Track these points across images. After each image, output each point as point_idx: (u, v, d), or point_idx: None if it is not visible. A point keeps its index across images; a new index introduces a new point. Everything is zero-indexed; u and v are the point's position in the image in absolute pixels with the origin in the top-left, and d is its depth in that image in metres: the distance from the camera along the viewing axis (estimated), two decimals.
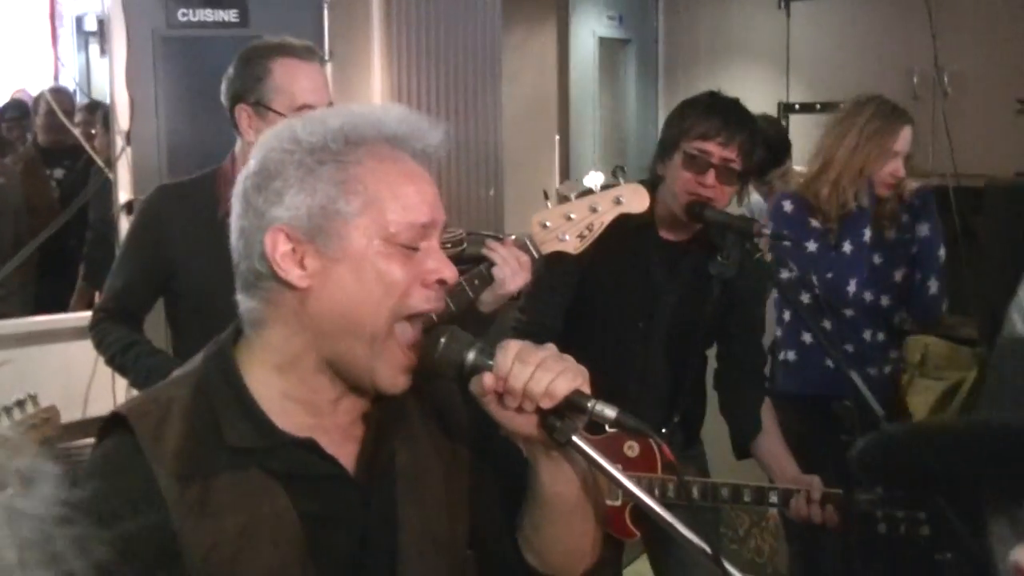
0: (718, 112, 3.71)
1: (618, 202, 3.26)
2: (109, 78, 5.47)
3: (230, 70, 3.66)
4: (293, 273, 1.82)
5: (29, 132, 7.62)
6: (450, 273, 1.88)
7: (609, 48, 7.88)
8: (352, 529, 1.89)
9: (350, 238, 1.82)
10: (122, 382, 4.98)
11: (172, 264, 3.71)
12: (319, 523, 1.85)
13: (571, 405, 1.79)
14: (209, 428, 1.84)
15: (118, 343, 3.75)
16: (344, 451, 1.92)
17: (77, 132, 5.92)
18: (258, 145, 1.92)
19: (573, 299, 3.89)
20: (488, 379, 1.82)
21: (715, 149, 3.65)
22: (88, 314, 5.34)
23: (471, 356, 1.85)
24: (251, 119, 3.60)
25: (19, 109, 8.31)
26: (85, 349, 5.03)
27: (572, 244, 3.23)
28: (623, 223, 3.28)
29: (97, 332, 3.82)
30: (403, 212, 1.84)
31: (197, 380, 1.90)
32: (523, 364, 1.80)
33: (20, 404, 2.60)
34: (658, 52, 7.64)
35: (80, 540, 1.60)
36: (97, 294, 6.36)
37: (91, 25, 9.73)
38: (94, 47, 10.88)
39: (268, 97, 3.56)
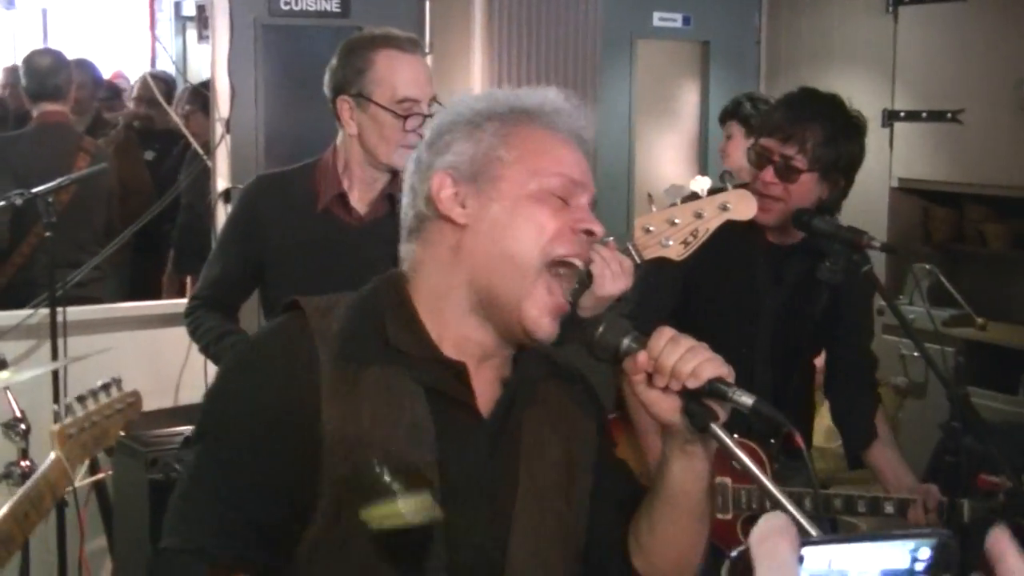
0: (783, 106, 3.66)
1: (724, 208, 3.20)
2: (210, 65, 5.51)
3: (333, 61, 3.67)
4: (454, 211, 2.04)
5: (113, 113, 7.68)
6: (597, 227, 2.06)
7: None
8: (474, 462, 2.06)
9: (507, 179, 2.04)
10: (214, 370, 5.04)
11: (267, 255, 3.73)
12: (448, 442, 2.02)
13: (713, 391, 1.96)
14: (372, 325, 2.05)
15: (212, 332, 3.79)
16: (482, 400, 2.09)
17: (176, 116, 5.94)
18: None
19: (676, 303, 3.83)
20: (642, 356, 1.99)
21: (773, 145, 3.57)
22: (180, 301, 5.42)
23: (627, 341, 2.03)
24: (352, 111, 3.60)
25: (112, 90, 8.39)
26: (176, 336, 5.10)
27: (675, 250, 3.19)
28: (728, 226, 3.23)
29: (192, 320, 3.86)
30: (557, 165, 2.05)
31: (366, 292, 2.15)
32: (675, 345, 1.97)
33: (105, 388, 2.62)
34: (760, 55, 7.52)
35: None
36: (189, 280, 6.44)
37: (189, 10, 9.84)
38: (191, 32, 11.01)
39: (369, 89, 3.55)
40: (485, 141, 2.06)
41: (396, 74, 3.56)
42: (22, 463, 3.68)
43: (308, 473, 1.96)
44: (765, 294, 3.80)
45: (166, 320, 5.34)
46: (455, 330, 2.07)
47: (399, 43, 3.61)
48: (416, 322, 2.06)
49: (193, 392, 5.11)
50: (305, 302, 2.10)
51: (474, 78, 5.93)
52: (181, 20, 11.47)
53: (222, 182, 5.41)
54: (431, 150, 2.11)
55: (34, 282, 5.49)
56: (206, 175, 5.74)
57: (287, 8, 5.41)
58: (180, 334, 5.14)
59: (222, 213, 5.39)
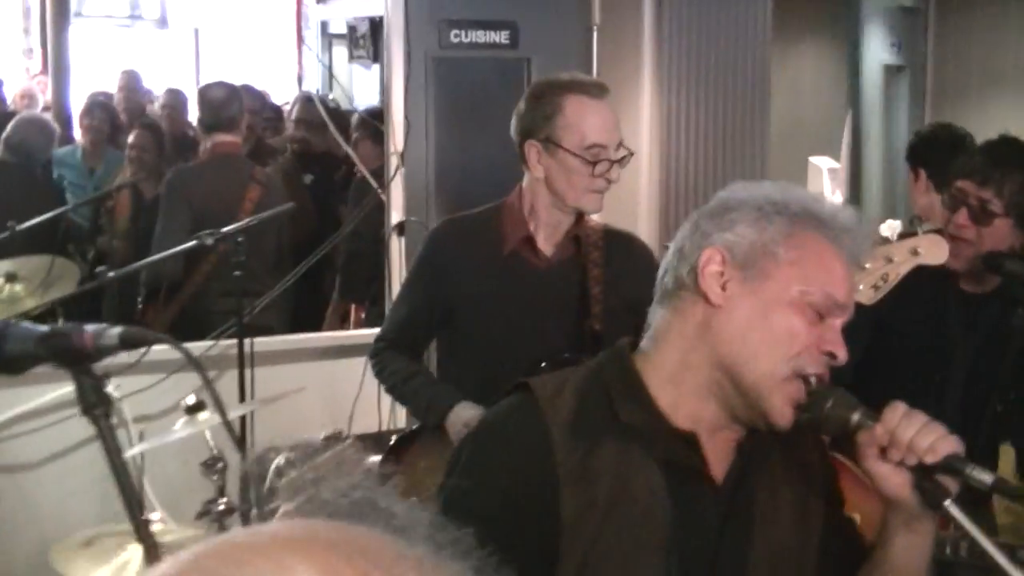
0: (983, 151, 3.64)
1: (915, 253, 3.21)
2: (384, 99, 5.63)
3: (520, 105, 3.73)
4: (713, 290, 2.05)
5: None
6: (843, 354, 2.06)
7: (887, 75, 7.74)
8: (709, 532, 2.10)
9: (775, 278, 2.04)
10: (388, 400, 5.15)
11: (456, 298, 3.80)
12: (683, 514, 2.06)
13: (948, 468, 1.97)
14: (601, 403, 2.10)
15: (399, 374, 3.87)
16: (715, 467, 2.12)
17: (349, 149, 6.06)
18: (728, 190, 2.18)
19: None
20: (879, 430, 2.01)
21: (970, 188, 3.55)
22: (355, 333, 5.55)
23: (857, 416, 2.04)
24: (540, 155, 3.64)
25: (276, 113, 8.54)
26: (352, 367, 5.21)
27: (865, 295, 3.19)
28: (920, 271, 3.23)
29: (378, 361, 3.95)
30: (828, 281, 2.05)
31: (591, 368, 2.18)
32: (910, 420, 1.99)
33: (328, 441, 2.67)
34: (927, 79, 7.43)
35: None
36: (353, 309, 6.55)
37: (337, 27, 9.95)
38: (338, 50, 11.17)
39: (558, 135, 3.60)
40: (768, 233, 2.05)
41: (585, 120, 3.60)
42: (220, 501, 3.78)
43: (547, 559, 2.03)
44: (957, 342, 3.78)
45: (344, 351, 5.45)
46: (691, 404, 2.09)
47: (588, 89, 3.66)
48: (645, 394, 2.10)
49: (367, 422, 5.20)
50: (536, 384, 2.16)
51: (643, 109, 5.96)
52: (328, 37, 11.65)
53: (396, 215, 5.50)
54: (713, 221, 2.11)
55: (207, 311, 5.64)
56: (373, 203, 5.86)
57: (457, 41, 5.50)
58: (356, 365, 5.29)
59: (396, 246, 5.50)
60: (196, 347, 5.04)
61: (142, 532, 1.90)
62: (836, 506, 2.28)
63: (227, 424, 1.86)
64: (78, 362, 1.83)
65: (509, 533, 1.97)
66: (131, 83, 9.38)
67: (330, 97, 8.59)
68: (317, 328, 6.59)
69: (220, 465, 3.94)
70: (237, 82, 7.24)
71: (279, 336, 5.46)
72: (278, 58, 12.41)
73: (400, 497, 2.54)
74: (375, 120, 6.16)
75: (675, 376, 2.10)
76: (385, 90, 5.60)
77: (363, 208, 5.67)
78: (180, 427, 3.78)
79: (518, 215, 3.75)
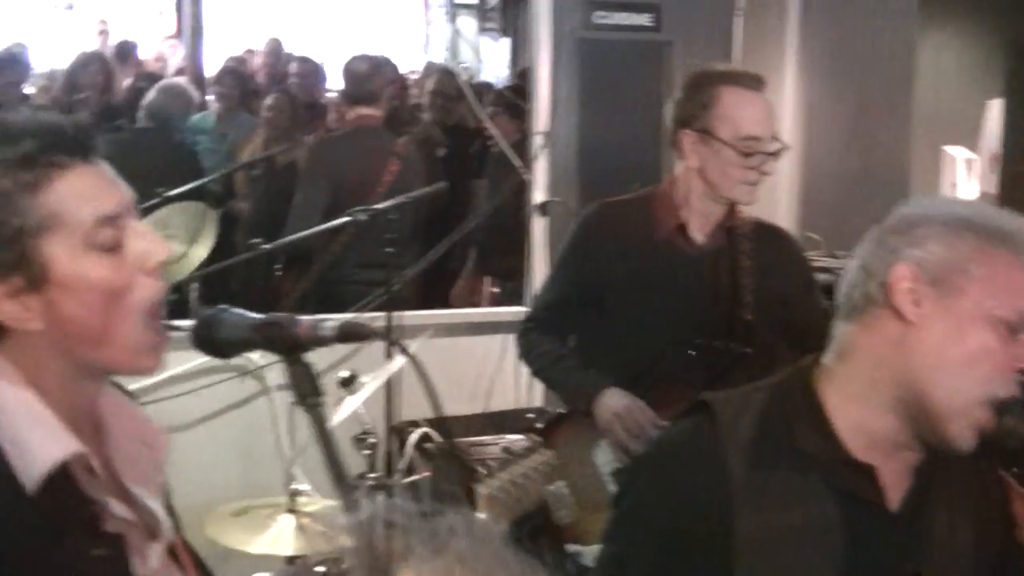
0: None
1: None
2: (529, 77, 5.64)
3: (677, 93, 3.76)
4: (907, 306, 2.04)
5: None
6: None
7: None
8: (885, 562, 2.09)
9: (968, 295, 2.02)
10: (526, 379, 5.20)
11: (606, 282, 3.84)
12: (858, 544, 2.06)
13: None
14: (781, 429, 2.11)
15: (547, 356, 3.91)
16: (891, 493, 2.12)
17: (490, 125, 6.07)
18: (911, 205, 2.19)
19: None
20: None
21: None
22: (497, 310, 5.59)
23: None
24: (695, 145, 3.67)
25: (401, 84, 8.60)
26: (491, 344, 5.27)
27: None
28: None
29: (525, 343, 3.99)
30: (1018, 296, 2.04)
31: (774, 388, 2.19)
32: None
33: (527, 449, 2.68)
34: None
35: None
36: (487, 281, 6.60)
37: None
38: (463, 21, 11.24)
39: (714, 125, 3.62)
40: (959, 250, 2.04)
41: (741, 111, 3.62)
42: (369, 475, 3.85)
43: None
44: None
45: (484, 328, 5.53)
46: (872, 423, 2.09)
47: (745, 80, 3.67)
48: (826, 423, 2.10)
49: (504, 399, 5.26)
50: (717, 404, 2.18)
51: (785, 96, 5.92)
52: (454, 7, 11.71)
53: (539, 194, 5.54)
54: (900, 237, 2.09)
55: (342, 281, 5.71)
56: (509, 177, 5.93)
57: (601, 22, 5.51)
58: (495, 342, 5.36)
59: (538, 225, 5.53)
60: (338, 317, 5.14)
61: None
62: (1010, 527, 2.25)
63: (436, 402, 1.89)
64: (291, 351, 1.87)
65: (682, 555, 2.08)
66: (275, 49, 9.51)
67: (463, 67, 8.62)
68: (443, 301, 6.68)
69: (371, 440, 4.02)
70: (362, 49, 7.33)
71: (424, 311, 5.52)
72: (403, 26, 12.50)
73: (545, 479, 2.60)
74: (518, 95, 6.21)
75: (860, 393, 2.10)
76: (530, 68, 5.61)
77: (506, 187, 5.69)
78: (337, 401, 3.84)
79: (671, 203, 3.78)
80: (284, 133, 7.72)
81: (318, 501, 4.23)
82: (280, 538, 3.99)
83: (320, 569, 3.84)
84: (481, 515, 2.43)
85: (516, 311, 5.57)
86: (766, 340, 3.80)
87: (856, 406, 2.10)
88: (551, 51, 5.44)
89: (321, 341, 1.86)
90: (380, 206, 4.26)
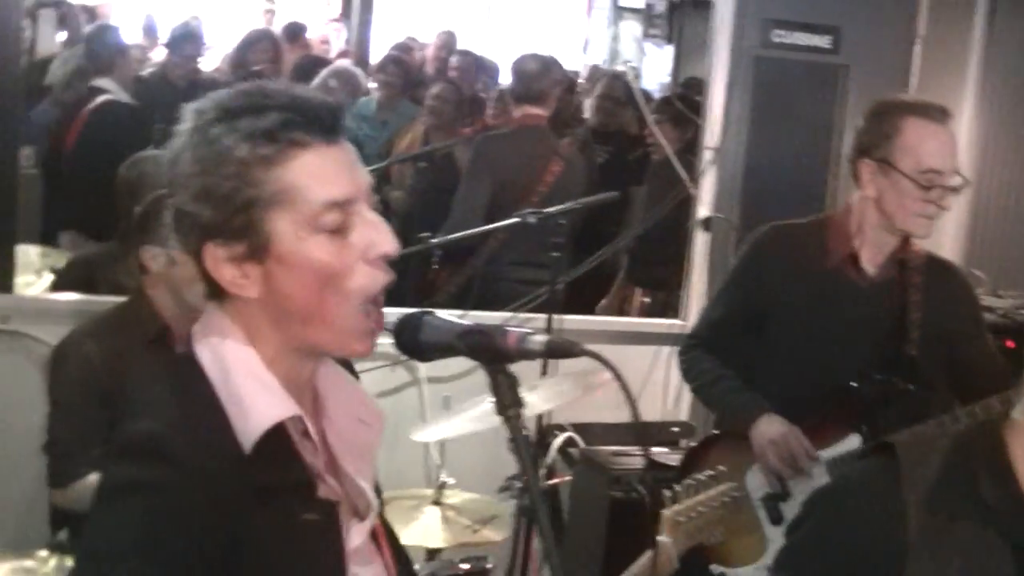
0: None
1: None
2: (705, 93, 5.65)
3: (860, 122, 3.72)
4: None
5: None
6: None
7: None
8: None
9: None
10: (674, 390, 5.20)
11: (773, 305, 3.83)
12: None
13: None
14: (964, 478, 2.08)
15: (707, 374, 3.92)
16: None
17: (659, 136, 6.06)
18: None
19: None
20: None
21: None
22: (651, 321, 5.58)
23: None
24: (874, 175, 3.63)
25: (568, 86, 8.58)
26: (642, 354, 5.27)
27: None
28: None
29: (687, 359, 4.00)
30: None
31: (960, 437, 2.17)
32: None
33: (712, 478, 2.69)
34: None
35: None
36: (638, 292, 6.60)
37: (627, 2, 9.97)
38: (625, 24, 11.21)
39: (895, 156, 3.58)
40: None
41: (924, 144, 3.57)
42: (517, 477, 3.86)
43: None
44: None
45: (636, 337, 5.53)
46: None
47: (930, 112, 3.61)
48: (1011, 476, 2.07)
49: (650, 410, 5.25)
50: (901, 448, 2.16)
51: (961, 126, 5.79)
52: (618, 10, 11.67)
53: (703, 210, 5.52)
54: None
55: (497, 278, 5.73)
56: (670, 188, 5.93)
57: (779, 41, 5.47)
58: (647, 352, 5.35)
59: (700, 240, 5.52)
60: (491, 317, 5.18)
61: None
62: None
63: (635, 409, 1.89)
64: (496, 361, 1.86)
65: None
66: (448, 43, 9.56)
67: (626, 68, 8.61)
68: (589, 307, 6.66)
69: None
70: (523, 47, 7.32)
71: (582, 316, 5.55)
72: (563, 26, 12.51)
73: (726, 509, 2.60)
74: (684, 105, 6.21)
75: None
76: (705, 83, 5.59)
77: (667, 198, 5.68)
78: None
79: (844, 231, 3.74)
80: (446, 124, 7.78)
81: (463, 495, 4.28)
82: (425, 530, 4.04)
83: (464, 566, 3.89)
84: (663, 538, 2.45)
85: (670, 323, 5.58)
86: (929, 377, 3.76)
87: None
88: (728, 66, 5.40)
89: (528, 355, 1.84)
90: (551, 210, 4.27)
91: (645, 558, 2.46)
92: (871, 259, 3.74)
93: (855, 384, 3.71)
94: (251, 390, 1.81)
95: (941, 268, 3.84)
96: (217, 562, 1.69)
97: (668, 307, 6.54)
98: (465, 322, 1.92)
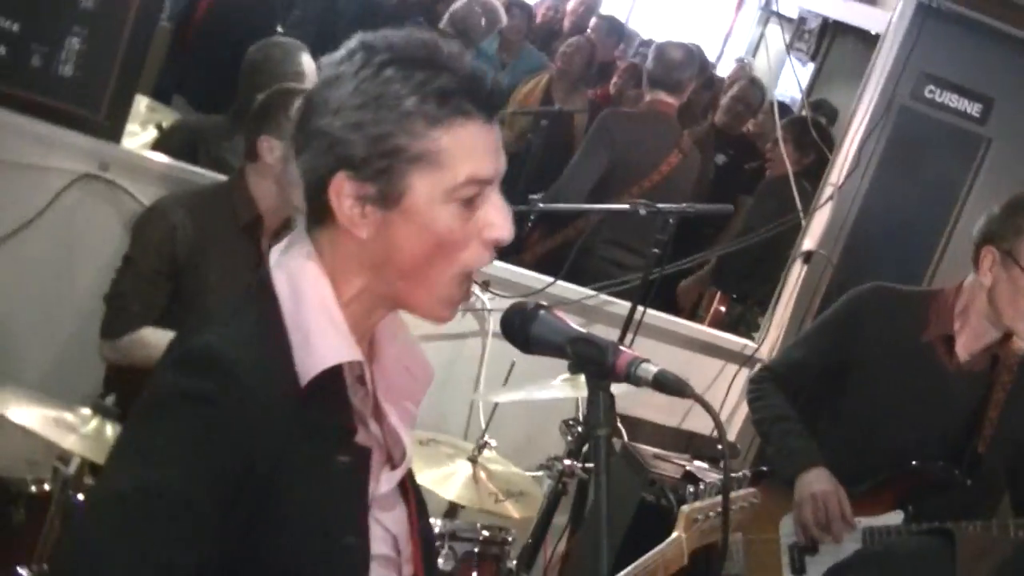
0: None
1: None
2: (843, 131, 5.58)
3: (994, 209, 3.64)
4: None
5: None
6: None
7: None
8: None
9: None
10: (731, 407, 5.17)
11: (855, 363, 3.78)
12: None
13: None
14: None
15: (773, 409, 3.87)
16: None
17: (785, 155, 5.97)
18: None
19: None
20: None
21: None
22: (728, 337, 5.54)
23: None
24: (994, 264, 3.56)
25: (708, 80, 8.47)
26: (709, 365, 5.24)
27: None
28: None
29: (758, 389, 3.95)
30: None
31: (1019, 547, 2.22)
32: None
33: (737, 482, 2.66)
34: None
35: None
36: (717, 297, 6.54)
37: (779, 7, 9.76)
38: (771, 29, 11.02)
39: (1021, 252, 3.50)
40: None
41: None
42: (565, 461, 3.84)
43: None
44: None
45: (706, 348, 5.50)
46: None
47: None
48: None
49: (699, 422, 5.21)
50: (961, 537, 2.14)
51: None
52: (767, 12, 11.47)
53: (808, 242, 5.45)
54: None
55: (587, 252, 5.67)
56: (775, 206, 5.82)
57: (930, 97, 5.35)
58: (714, 364, 5.31)
59: (796, 272, 5.46)
60: (576, 291, 5.15)
61: None
62: None
63: (721, 431, 1.86)
64: (600, 377, 1.84)
65: None
66: (591, 3, 9.45)
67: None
68: (669, 304, 6.57)
69: (579, 429, 4.01)
70: (664, 25, 7.17)
71: (665, 315, 5.49)
72: (710, 13, 12.34)
73: (744, 518, 2.58)
74: (813, 127, 6.15)
75: None
76: (846, 123, 5.49)
77: (783, 222, 5.60)
78: (559, 384, 3.83)
79: (948, 310, 3.69)
80: (573, 79, 7.73)
81: (500, 461, 4.25)
82: (452, 482, 4.02)
83: (485, 533, 3.88)
84: (674, 533, 2.46)
85: (744, 344, 5.53)
86: (990, 477, 3.72)
87: None
88: (873, 109, 5.30)
89: (635, 381, 1.83)
90: (664, 207, 4.19)
91: (657, 551, 2.45)
92: (966, 346, 3.68)
93: (916, 463, 3.66)
94: (320, 326, 1.83)
95: None
96: (251, 486, 1.73)
97: (741, 321, 6.49)
98: (579, 328, 1.90)
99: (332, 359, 1.82)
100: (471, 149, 1.81)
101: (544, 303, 1.95)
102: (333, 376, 1.83)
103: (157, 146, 4.84)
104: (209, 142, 4.73)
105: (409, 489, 2.09)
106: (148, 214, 3.94)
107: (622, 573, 2.39)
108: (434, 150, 1.79)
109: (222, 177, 4.26)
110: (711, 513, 2.56)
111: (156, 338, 3.80)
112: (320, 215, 1.86)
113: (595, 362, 1.84)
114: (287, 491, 1.78)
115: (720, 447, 3.45)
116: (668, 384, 1.82)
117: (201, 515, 1.69)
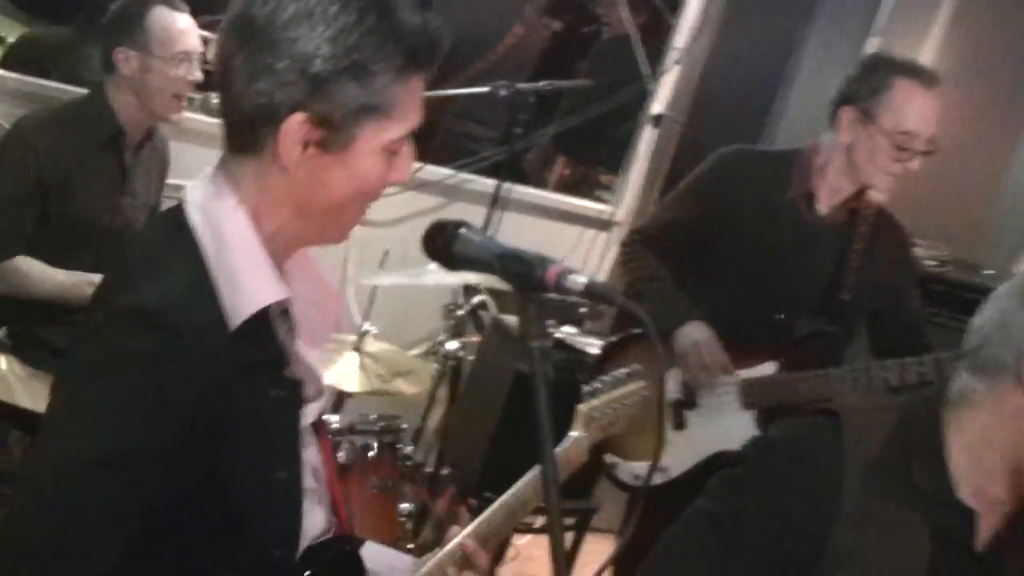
0: None
1: None
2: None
3: (851, 70, 3.68)
4: None
5: None
6: None
7: None
8: None
9: None
10: (590, 270, 5.17)
11: (722, 223, 3.81)
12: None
13: None
14: (900, 460, 2.09)
15: (646, 269, 3.90)
16: (981, 536, 2.11)
17: (627, 20, 5.92)
18: None
19: None
20: None
21: None
22: (582, 203, 5.56)
23: None
24: (852, 123, 3.62)
25: None
26: (564, 231, 5.24)
27: None
28: None
29: (630, 251, 3.99)
30: None
31: (903, 414, 2.15)
32: None
33: (628, 376, 2.66)
34: None
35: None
36: (561, 161, 6.56)
37: None
38: None
39: (878, 110, 3.56)
40: None
41: (909, 105, 3.55)
42: (449, 344, 3.86)
43: (793, 574, 2.10)
44: None
45: (565, 216, 5.56)
46: (979, 475, 2.07)
47: (922, 76, 3.60)
48: (943, 464, 2.08)
49: None
50: (846, 417, 2.17)
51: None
52: None
53: (657, 106, 5.48)
54: None
55: (452, 132, 5.62)
56: (612, 67, 5.84)
57: None
58: (574, 231, 5.33)
59: (648, 136, 5.49)
60: (437, 172, 5.11)
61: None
62: None
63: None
64: (529, 290, 1.81)
65: (777, 541, 2.12)
66: None
67: None
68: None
69: (458, 312, 4.02)
70: None
71: (526, 188, 5.51)
72: None
73: (635, 407, 2.62)
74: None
75: (976, 446, 2.06)
76: None
77: (628, 88, 5.60)
78: (436, 269, 3.82)
79: (808, 168, 3.75)
80: None
81: (383, 344, 4.26)
82: (343, 373, 4.04)
83: (381, 423, 3.90)
84: (576, 432, 2.48)
85: (601, 209, 5.63)
86: (853, 324, 3.81)
87: (970, 456, 2.07)
88: None
89: (565, 292, 1.81)
90: (523, 86, 4.17)
91: (558, 449, 2.46)
92: (826, 200, 3.75)
93: (782, 317, 3.73)
94: (245, 266, 1.83)
95: (888, 223, 3.86)
96: (203, 429, 1.74)
97: (584, 182, 6.51)
98: (502, 243, 1.89)
99: (262, 300, 1.82)
100: (412, 103, 1.85)
101: (463, 221, 1.92)
102: (260, 315, 1.83)
103: (4, 63, 4.66)
104: (59, 54, 4.59)
105: (323, 427, 2.13)
106: (7, 139, 3.82)
107: (528, 475, 2.38)
108: (390, 104, 1.81)
109: (76, 90, 4.15)
110: (608, 410, 2.57)
111: (30, 266, 3.77)
112: (251, 146, 1.83)
113: (524, 276, 1.82)
114: (229, 430, 1.79)
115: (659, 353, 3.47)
116: (597, 293, 1.81)
117: (153, 477, 1.71)
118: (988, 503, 2.10)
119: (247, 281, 1.81)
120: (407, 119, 1.84)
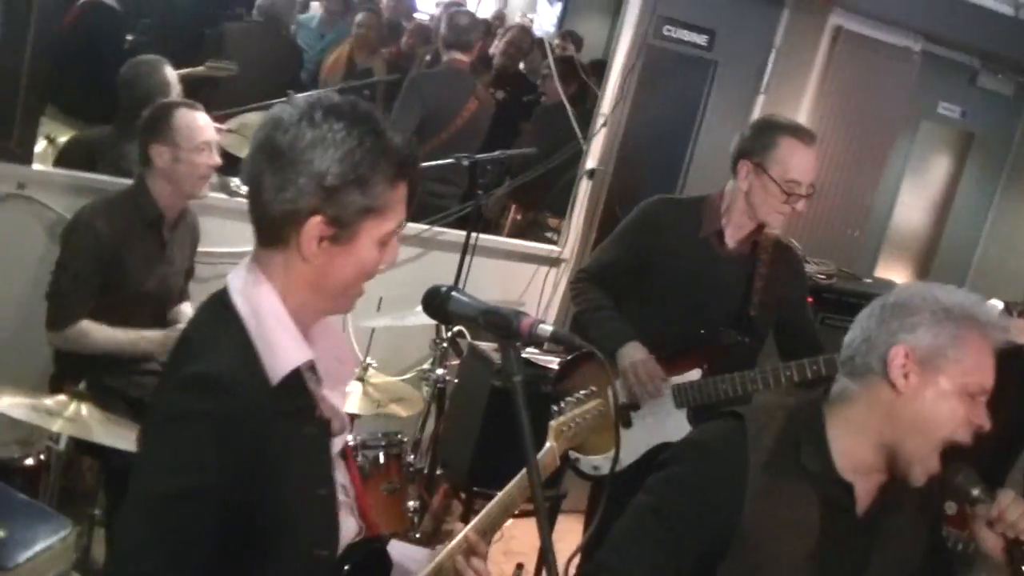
0: None
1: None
2: (608, 69, 5.69)
3: (746, 130, 3.81)
4: (899, 380, 2.24)
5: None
6: (988, 425, 2.26)
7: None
8: (846, 552, 2.34)
9: (946, 374, 2.23)
10: (544, 302, 5.27)
11: (654, 257, 3.91)
12: (830, 541, 2.31)
13: None
14: (791, 447, 2.32)
15: (593, 301, 4.01)
16: (860, 504, 2.36)
17: (560, 88, 6.03)
18: (905, 291, 2.35)
19: None
20: (994, 508, 2.29)
21: None
22: (536, 245, 5.64)
23: (976, 492, 2.31)
24: (748, 173, 3.74)
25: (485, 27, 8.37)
26: (521, 270, 5.32)
27: None
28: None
29: (578, 288, 4.09)
30: (983, 374, 2.25)
31: (792, 413, 2.38)
32: (1017, 505, 2.27)
33: (588, 395, 2.77)
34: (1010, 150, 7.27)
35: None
36: (513, 208, 6.63)
37: None
38: None
39: (768, 163, 3.70)
40: (941, 337, 2.23)
41: (793, 159, 3.69)
42: (437, 371, 3.97)
43: (718, 545, 2.28)
44: None
45: (522, 257, 5.67)
46: (856, 454, 2.31)
47: (801, 135, 3.73)
48: (825, 448, 2.32)
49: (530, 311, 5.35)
50: (748, 417, 2.37)
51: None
52: None
53: (591, 162, 5.63)
54: (897, 321, 2.28)
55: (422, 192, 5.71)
56: (552, 129, 5.96)
57: (668, 34, 5.53)
58: (529, 268, 5.51)
59: (584, 187, 5.62)
60: (413, 227, 5.22)
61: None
62: (938, 539, 2.54)
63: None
64: (508, 339, 2.00)
65: (701, 520, 2.30)
66: None
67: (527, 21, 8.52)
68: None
69: (444, 345, 4.12)
70: None
71: (492, 236, 5.62)
72: None
73: (595, 421, 2.72)
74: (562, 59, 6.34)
75: (853, 431, 2.31)
76: (607, 69, 5.66)
77: (565, 150, 5.73)
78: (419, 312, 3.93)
79: (716, 211, 3.86)
80: (369, 46, 7.64)
81: (383, 377, 4.36)
82: (349, 399, 4.14)
83: (386, 439, 4.00)
84: (550, 444, 2.60)
85: (550, 249, 5.73)
86: (761, 333, 3.93)
87: (849, 439, 2.32)
88: (627, 51, 5.46)
89: (536, 340, 1.99)
90: (481, 156, 4.33)
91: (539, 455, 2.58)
92: (732, 236, 3.86)
93: (703, 332, 3.84)
94: (279, 337, 1.96)
95: (784, 249, 3.97)
96: (252, 470, 1.87)
97: (534, 224, 6.61)
98: (486, 303, 2.06)
99: (294, 360, 1.96)
100: (402, 203, 1.98)
101: (453, 285, 2.10)
102: (294, 372, 1.96)
103: (59, 161, 4.76)
104: (104, 152, 4.67)
105: (350, 454, 2.28)
106: (73, 224, 3.94)
107: (515, 478, 2.51)
108: (384, 205, 1.94)
109: (121, 181, 4.25)
110: (573, 424, 2.69)
111: (92, 329, 3.90)
112: (278, 241, 1.97)
113: (502, 327, 2.00)
114: (275, 463, 1.91)
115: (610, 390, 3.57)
116: (562, 339, 2.01)
117: (221, 503, 1.83)
118: (864, 477, 2.33)
119: (281, 348, 1.95)
120: (397, 215, 1.98)
